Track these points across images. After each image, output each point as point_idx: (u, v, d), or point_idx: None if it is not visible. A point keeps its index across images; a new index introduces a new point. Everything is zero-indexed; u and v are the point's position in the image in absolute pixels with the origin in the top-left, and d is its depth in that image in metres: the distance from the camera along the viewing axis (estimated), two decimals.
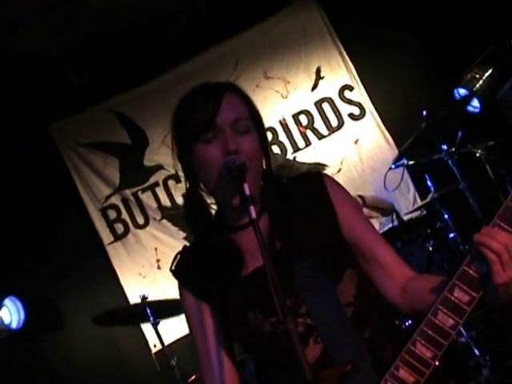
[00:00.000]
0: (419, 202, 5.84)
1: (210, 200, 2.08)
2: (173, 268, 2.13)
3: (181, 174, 6.47)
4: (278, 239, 1.98)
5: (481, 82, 5.83)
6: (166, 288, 5.94)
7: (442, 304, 1.72)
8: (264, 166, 2.04)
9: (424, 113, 4.74)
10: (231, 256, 2.01)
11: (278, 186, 2.09)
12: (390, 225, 4.97)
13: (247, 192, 1.76)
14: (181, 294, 2.13)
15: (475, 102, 5.77)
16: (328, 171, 6.32)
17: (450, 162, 4.67)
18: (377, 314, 2.00)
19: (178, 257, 2.14)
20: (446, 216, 4.82)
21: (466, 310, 1.70)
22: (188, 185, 2.07)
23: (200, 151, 1.96)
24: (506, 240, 1.64)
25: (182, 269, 2.12)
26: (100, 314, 4.81)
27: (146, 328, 5.77)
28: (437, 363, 1.75)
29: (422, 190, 5.72)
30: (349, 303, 1.93)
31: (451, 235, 4.77)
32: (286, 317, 1.58)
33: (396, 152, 6.02)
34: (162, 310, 4.76)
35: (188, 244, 2.18)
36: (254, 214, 1.71)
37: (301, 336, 1.85)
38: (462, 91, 5.88)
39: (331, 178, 2.12)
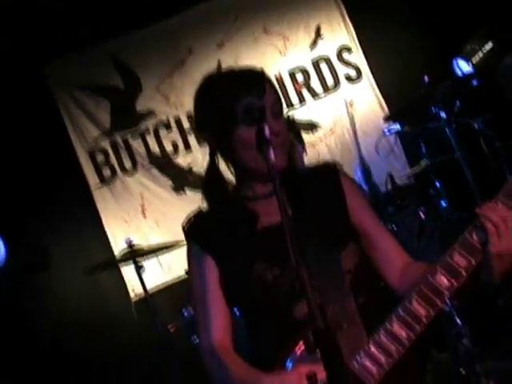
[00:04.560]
0: (409, 169, 5.84)
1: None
2: (185, 229, 2.23)
3: (173, 123, 6.43)
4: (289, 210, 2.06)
5: (480, 54, 5.80)
6: (150, 237, 5.93)
7: (442, 267, 1.85)
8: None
9: (425, 78, 4.71)
10: (245, 217, 2.12)
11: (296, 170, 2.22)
12: (384, 188, 4.97)
13: (267, 134, 1.79)
14: (189, 250, 2.23)
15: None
16: (320, 132, 6.32)
17: (447, 130, 4.66)
18: (373, 287, 2.14)
19: (192, 219, 2.23)
20: (438, 184, 4.83)
21: (462, 274, 1.83)
22: (209, 160, 2.18)
23: (242, 133, 2.03)
24: (505, 214, 1.81)
25: (193, 227, 2.22)
26: (91, 267, 4.88)
27: (128, 274, 5.77)
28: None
29: (414, 157, 5.71)
30: (349, 270, 2.07)
31: (443, 204, 4.79)
32: (300, 263, 1.62)
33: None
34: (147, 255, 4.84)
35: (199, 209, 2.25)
36: (273, 157, 1.76)
37: (296, 292, 1.88)
38: (463, 65, 5.85)
39: (346, 173, 2.25)
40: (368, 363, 1.86)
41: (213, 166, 2.18)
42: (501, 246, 1.80)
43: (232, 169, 2.20)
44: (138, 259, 4.70)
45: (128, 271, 5.69)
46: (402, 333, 1.85)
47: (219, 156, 2.19)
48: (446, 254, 1.85)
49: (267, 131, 1.79)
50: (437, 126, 4.76)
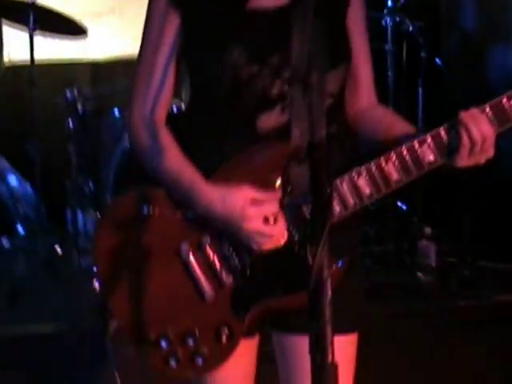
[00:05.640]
0: None
1: None
2: None
3: None
4: None
5: None
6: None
7: (433, 138, 1.69)
8: None
9: None
10: None
11: None
12: None
13: None
14: None
15: None
16: None
17: (387, 19, 4.54)
18: (344, 118, 1.91)
19: None
20: None
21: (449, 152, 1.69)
22: None
23: None
24: (487, 133, 1.64)
25: None
26: None
27: (9, 34, 5.25)
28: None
29: None
30: (331, 94, 1.80)
31: None
32: (297, 72, 1.34)
33: None
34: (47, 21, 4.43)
35: None
36: None
37: (271, 99, 1.75)
38: None
39: None
40: None
41: None
42: (468, 162, 1.67)
43: None
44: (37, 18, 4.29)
45: (10, 32, 5.22)
46: (366, 189, 1.69)
47: None
48: (439, 127, 1.69)
49: None
50: (376, 14, 4.61)
